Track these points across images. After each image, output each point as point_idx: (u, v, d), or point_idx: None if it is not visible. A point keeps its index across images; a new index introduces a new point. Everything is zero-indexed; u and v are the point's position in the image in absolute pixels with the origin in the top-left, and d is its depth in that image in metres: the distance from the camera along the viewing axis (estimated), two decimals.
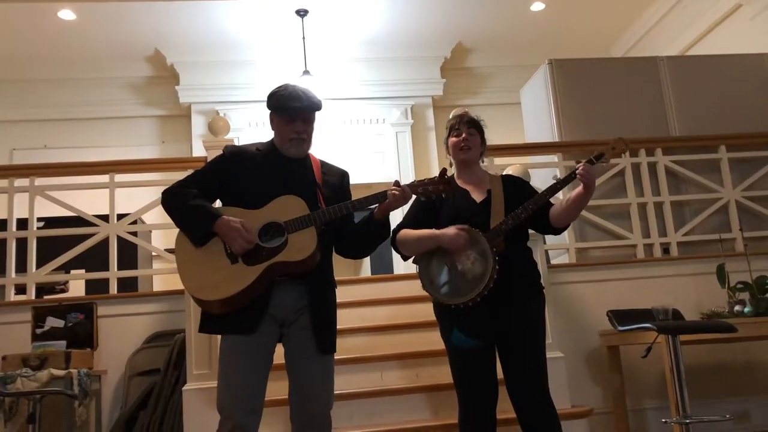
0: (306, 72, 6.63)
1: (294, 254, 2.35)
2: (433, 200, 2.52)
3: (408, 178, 7.07)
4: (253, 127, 7.10)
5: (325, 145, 7.11)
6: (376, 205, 2.48)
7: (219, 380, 2.39)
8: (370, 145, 7.31)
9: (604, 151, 2.62)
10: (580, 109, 4.86)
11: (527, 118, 5.41)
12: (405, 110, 7.49)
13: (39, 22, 6.44)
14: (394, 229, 2.75)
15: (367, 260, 7.04)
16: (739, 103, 5.00)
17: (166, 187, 2.54)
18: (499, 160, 4.55)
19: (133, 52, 7.15)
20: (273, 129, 2.58)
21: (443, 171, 2.48)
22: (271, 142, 2.61)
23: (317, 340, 2.41)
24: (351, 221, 2.59)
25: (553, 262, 4.53)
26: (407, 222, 2.76)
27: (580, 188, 2.58)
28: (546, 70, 4.95)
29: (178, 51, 7.13)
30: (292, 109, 2.49)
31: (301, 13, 6.58)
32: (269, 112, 2.55)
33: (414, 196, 2.51)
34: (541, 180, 4.63)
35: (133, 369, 3.83)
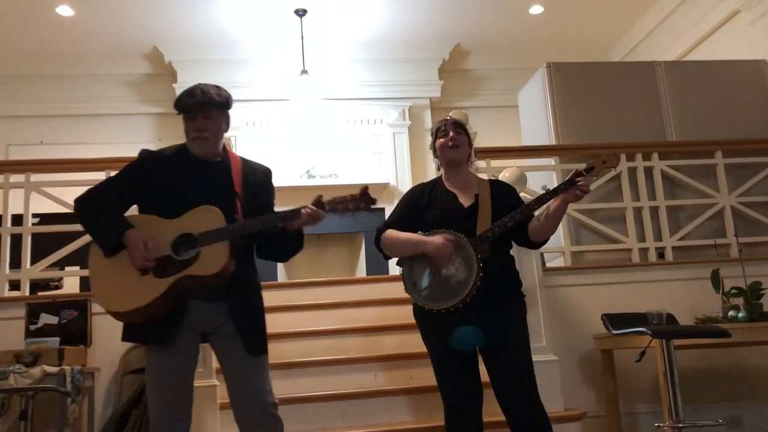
0: (304, 72, 6.63)
1: (205, 268, 2.32)
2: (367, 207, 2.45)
3: (404, 179, 7.08)
4: (250, 126, 7.09)
5: (323, 145, 7.14)
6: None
7: (146, 391, 2.45)
8: (367, 145, 7.31)
9: (595, 164, 2.58)
10: (577, 112, 4.86)
11: (524, 120, 5.42)
12: (402, 111, 7.49)
13: (37, 18, 6.42)
14: (380, 228, 2.73)
15: (362, 261, 7.04)
16: (736, 108, 5.01)
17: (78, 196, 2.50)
18: (495, 163, 4.55)
19: (131, 49, 7.14)
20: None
21: (365, 189, 2.44)
22: (186, 144, 2.56)
23: (245, 343, 2.41)
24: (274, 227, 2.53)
25: (549, 265, 4.53)
26: (393, 222, 2.74)
27: (559, 201, 2.56)
28: (544, 74, 4.95)
29: (176, 49, 7.13)
30: (184, 105, 2.46)
31: (300, 12, 6.58)
32: None
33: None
34: (537, 183, 4.64)
35: (127, 367, 3.82)
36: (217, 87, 2.52)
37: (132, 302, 2.32)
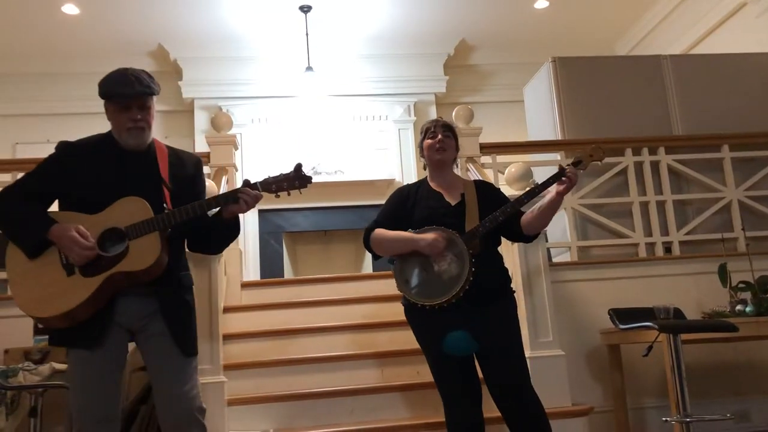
0: (309, 68, 6.63)
1: (136, 263, 2.20)
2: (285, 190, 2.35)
3: (410, 175, 7.08)
4: (255, 123, 7.10)
5: (328, 141, 7.14)
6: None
7: (70, 393, 2.31)
8: (372, 141, 7.31)
9: (582, 157, 2.62)
10: (583, 107, 4.85)
11: (530, 115, 5.41)
12: (408, 107, 7.49)
13: (43, 16, 6.45)
14: (368, 227, 2.75)
15: (368, 257, 7.04)
16: (742, 102, 4.98)
17: None
18: (501, 158, 4.55)
19: (136, 47, 7.15)
20: (108, 119, 2.40)
21: (298, 166, 2.35)
22: (109, 133, 2.43)
23: (178, 343, 2.30)
24: (204, 217, 2.40)
25: (555, 260, 4.52)
26: (381, 221, 2.76)
27: (553, 193, 2.60)
28: (549, 68, 4.94)
29: (181, 46, 7.14)
30: (123, 96, 2.30)
31: (305, 9, 6.58)
32: (103, 101, 2.37)
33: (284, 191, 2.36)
34: (543, 178, 4.62)
35: (135, 364, 3.81)
36: (147, 73, 2.38)
37: (61, 305, 2.18)
